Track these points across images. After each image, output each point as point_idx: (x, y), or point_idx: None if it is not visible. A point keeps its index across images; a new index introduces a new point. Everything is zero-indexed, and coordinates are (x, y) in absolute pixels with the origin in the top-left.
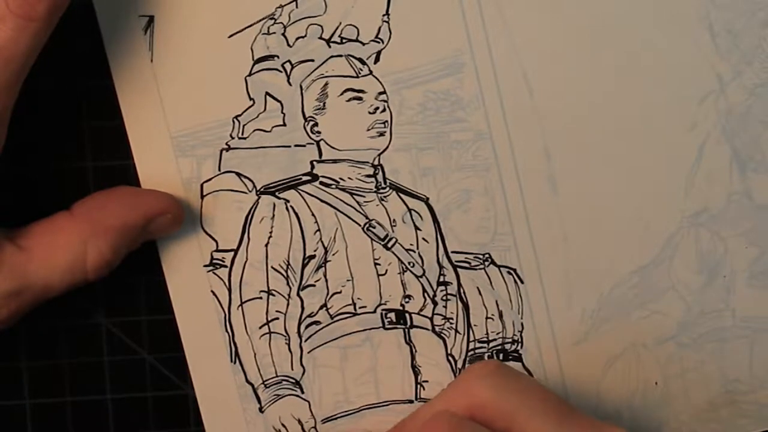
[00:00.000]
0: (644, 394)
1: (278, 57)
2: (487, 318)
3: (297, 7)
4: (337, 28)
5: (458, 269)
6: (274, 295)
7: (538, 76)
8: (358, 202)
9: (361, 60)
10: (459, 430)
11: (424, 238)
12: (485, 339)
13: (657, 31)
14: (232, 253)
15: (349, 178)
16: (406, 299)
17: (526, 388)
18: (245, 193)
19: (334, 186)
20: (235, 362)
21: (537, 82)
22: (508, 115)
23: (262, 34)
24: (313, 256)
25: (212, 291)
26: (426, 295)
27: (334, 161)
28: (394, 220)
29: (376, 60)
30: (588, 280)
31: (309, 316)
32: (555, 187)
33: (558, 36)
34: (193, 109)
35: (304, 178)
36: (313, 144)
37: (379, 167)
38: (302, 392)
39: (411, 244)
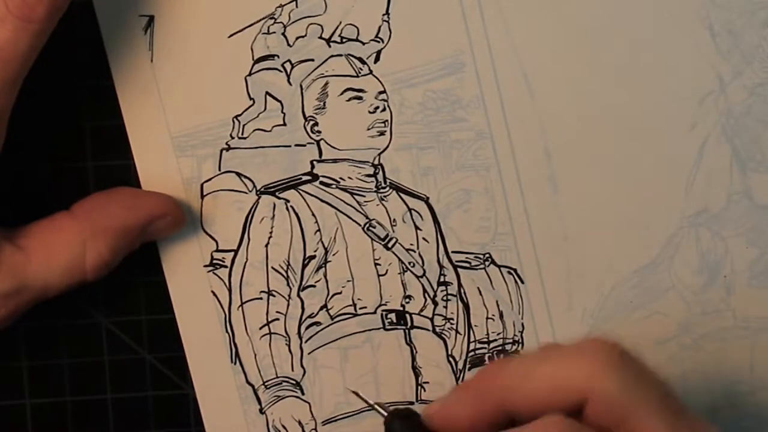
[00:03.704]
0: None
1: (278, 56)
2: (487, 318)
3: (297, 6)
4: (337, 27)
5: (458, 269)
6: (274, 295)
7: (538, 76)
8: (358, 202)
9: (361, 59)
10: None
11: (424, 238)
12: (486, 339)
13: (657, 31)
14: (233, 253)
15: (350, 177)
16: (407, 299)
17: (650, 383)
18: (245, 193)
19: (334, 186)
20: (235, 363)
21: (537, 82)
22: (508, 115)
23: (262, 34)
24: (314, 257)
25: (212, 291)
26: (426, 295)
27: (335, 161)
28: (394, 219)
29: (376, 59)
30: (588, 280)
31: (309, 316)
32: (555, 187)
33: (558, 36)
34: (193, 108)
35: (305, 177)
36: (313, 144)
37: (379, 167)
38: (303, 393)
39: (411, 244)
